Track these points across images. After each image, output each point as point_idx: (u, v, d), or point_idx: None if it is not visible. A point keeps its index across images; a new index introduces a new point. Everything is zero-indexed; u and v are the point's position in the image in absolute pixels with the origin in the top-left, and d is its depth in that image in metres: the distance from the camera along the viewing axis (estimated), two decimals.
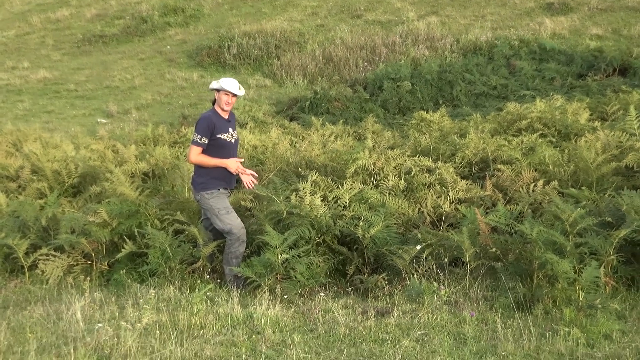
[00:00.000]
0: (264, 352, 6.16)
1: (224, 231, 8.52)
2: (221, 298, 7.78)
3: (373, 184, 10.01)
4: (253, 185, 8.70)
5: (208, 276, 8.73)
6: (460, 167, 10.94)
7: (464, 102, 21.00)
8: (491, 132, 12.97)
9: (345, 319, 7.02)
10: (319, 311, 7.33)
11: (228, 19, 32.22)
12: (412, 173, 10.14)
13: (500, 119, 14.22)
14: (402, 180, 9.85)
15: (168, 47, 30.35)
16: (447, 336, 6.47)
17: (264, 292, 7.85)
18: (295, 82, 25.13)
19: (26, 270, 9.52)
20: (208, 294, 7.72)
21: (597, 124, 13.11)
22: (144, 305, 7.14)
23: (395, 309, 7.18)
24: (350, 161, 10.08)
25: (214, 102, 8.70)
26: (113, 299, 7.84)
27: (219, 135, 8.47)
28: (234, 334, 6.67)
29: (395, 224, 8.81)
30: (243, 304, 7.64)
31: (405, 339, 6.40)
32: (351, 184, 9.45)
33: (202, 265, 8.83)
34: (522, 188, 9.64)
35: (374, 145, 12.16)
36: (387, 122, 19.25)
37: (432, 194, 9.61)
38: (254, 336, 6.60)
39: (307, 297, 7.99)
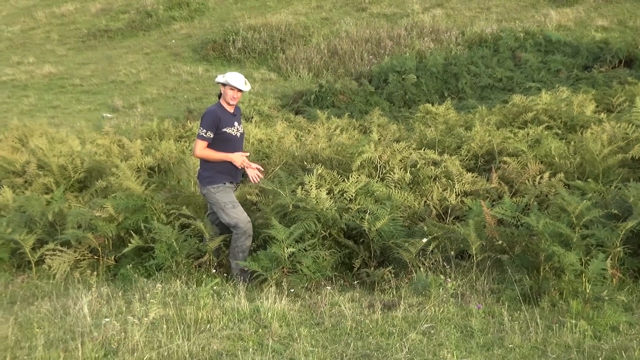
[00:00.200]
0: (270, 345, 6.16)
1: (230, 225, 8.52)
2: (228, 292, 7.78)
3: (379, 177, 10.01)
4: (258, 179, 8.70)
5: (214, 270, 8.74)
6: (466, 159, 10.94)
7: (469, 95, 20.97)
8: (497, 125, 12.96)
9: (352, 312, 7.02)
10: (325, 305, 7.33)
11: (233, 12, 32.20)
12: (418, 166, 10.13)
13: (506, 111, 14.21)
14: (408, 173, 9.85)
15: (173, 41, 30.34)
16: (454, 329, 6.47)
17: (271, 286, 7.85)
18: (300, 76, 25.11)
19: (33, 265, 9.54)
20: (215, 288, 7.73)
21: (603, 115, 13.08)
22: (151, 300, 7.15)
23: (402, 302, 7.18)
24: (356, 154, 10.08)
25: (219, 96, 8.69)
26: (120, 294, 7.85)
27: (225, 129, 8.46)
28: (241, 328, 6.67)
29: (401, 217, 8.80)
30: (250, 297, 7.64)
31: (412, 332, 6.41)
32: (357, 177, 9.45)
33: (209, 260, 8.84)
34: (528, 180, 9.64)
35: (379, 139, 12.17)
36: (392, 115, 19.22)
37: (438, 187, 9.61)
38: (260, 330, 6.60)
39: (314, 290, 7.99)
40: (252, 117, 19.30)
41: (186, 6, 33.67)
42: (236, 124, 8.65)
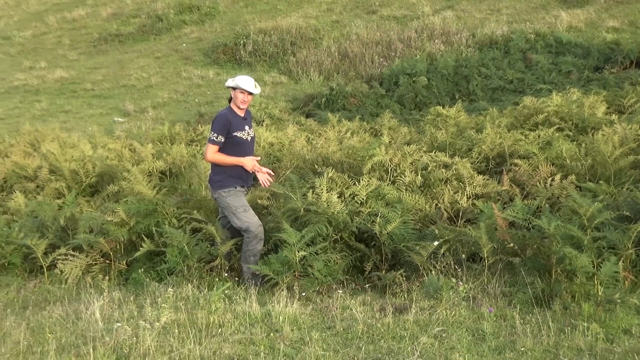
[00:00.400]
0: (282, 350, 6.16)
1: (242, 229, 8.53)
2: (239, 296, 7.78)
3: (390, 180, 10.00)
4: (269, 183, 8.71)
5: (226, 274, 8.75)
6: (477, 162, 10.92)
7: (480, 97, 20.93)
8: (508, 127, 12.92)
9: (363, 316, 7.02)
10: (336, 308, 7.33)
11: (243, 16, 32.24)
12: (429, 169, 10.12)
13: (517, 113, 14.17)
14: (419, 176, 9.83)
15: (184, 45, 30.39)
16: (466, 332, 6.46)
17: (282, 290, 7.86)
18: (311, 79, 25.12)
19: (45, 270, 9.58)
20: (226, 292, 7.74)
21: (614, 117, 13.04)
22: (163, 304, 7.16)
23: (413, 306, 7.17)
24: (367, 157, 10.08)
25: (230, 100, 8.71)
26: (131, 298, 7.87)
27: (235, 133, 8.48)
28: (252, 332, 6.67)
29: (412, 220, 8.79)
30: (261, 301, 7.64)
31: (424, 335, 6.40)
32: (368, 181, 9.44)
33: (220, 264, 8.86)
34: (540, 182, 9.60)
35: (390, 141, 12.16)
36: (403, 117, 19.21)
37: (449, 190, 9.59)
38: (272, 334, 6.60)
39: (325, 294, 7.99)
40: (263, 121, 19.32)
41: (197, 10, 33.73)
42: (247, 127, 8.66)
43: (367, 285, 8.37)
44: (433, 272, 7.96)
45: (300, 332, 6.66)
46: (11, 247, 9.98)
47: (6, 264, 10.01)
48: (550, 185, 9.40)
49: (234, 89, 8.54)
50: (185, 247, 8.59)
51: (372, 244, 8.73)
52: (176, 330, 6.57)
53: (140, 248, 8.92)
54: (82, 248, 9.48)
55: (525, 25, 25.30)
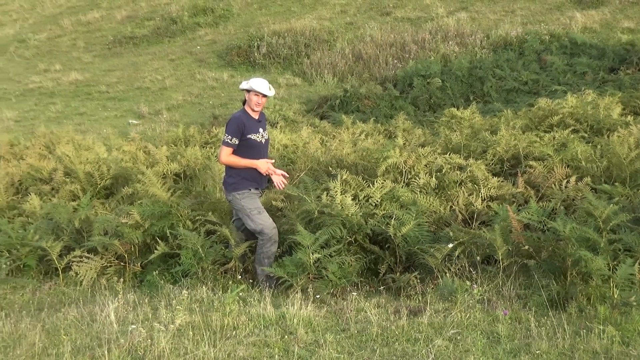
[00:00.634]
0: (296, 352, 6.16)
1: (256, 231, 8.53)
2: (253, 298, 7.79)
3: (404, 182, 9.99)
4: (283, 185, 8.72)
5: (240, 277, 8.75)
6: (492, 164, 10.90)
7: (494, 98, 20.88)
8: (522, 128, 12.89)
9: (378, 318, 7.00)
10: (351, 311, 7.32)
11: (257, 18, 32.28)
12: (443, 171, 10.10)
13: (532, 115, 14.13)
14: (433, 178, 9.82)
15: (198, 47, 30.45)
16: (481, 335, 6.44)
17: (296, 292, 7.85)
18: (325, 81, 25.12)
19: (60, 272, 9.60)
20: (240, 294, 7.73)
21: (629, 118, 12.98)
22: (177, 306, 7.16)
23: (428, 308, 7.15)
24: (381, 159, 10.07)
25: (244, 102, 8.72)
26: (146, 300, 7.88)
27: (250, 136, 8.49)
28: (267, 334, 6.67)
29: (426, 222, 8.77)
30: (275, 304, 7.64)
31: (438, 338, 6.38)
32: (382, 183, 9.43)
33: (234, 266, 8.86)
34: (555, 185, 9.57)
35: (404, 143, 12.14)
36: (417, 119, 19.19)
37: (463, 192, 9.56)
38: (286, 336, 6.60)
39: (339, 296, 7.98)
40: (277, 123, 19.33)
41: (211, 12, 33.78)
42: (261, 130, 8.67)
43: (381, 288, 8.35)
44: (447, 274, 7.94)
45: (315, 334, 6.65)
46: (26, 249, 10.01)
47: (21, 266, 10.04)
48: (566, 187, 9.37)
49: (248, 91, 8.55)
50: (200, 249, 8.60)
51: (386, 246, 8.72)
52: (191, 333, 6.58)
53: (155, 250, 8.94)
54: (96, 250, 9.51)
55: (540, 26, 25.23)
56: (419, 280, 8.07)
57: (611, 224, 7.51)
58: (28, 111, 25.20)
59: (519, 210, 8.64)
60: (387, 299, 7.85)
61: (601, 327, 6.34)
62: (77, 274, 9.26)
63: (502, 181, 9.94)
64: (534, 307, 7.11)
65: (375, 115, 19.92)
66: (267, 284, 8.46)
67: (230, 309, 7.13)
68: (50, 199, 11.91)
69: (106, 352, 6.13)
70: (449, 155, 10.65)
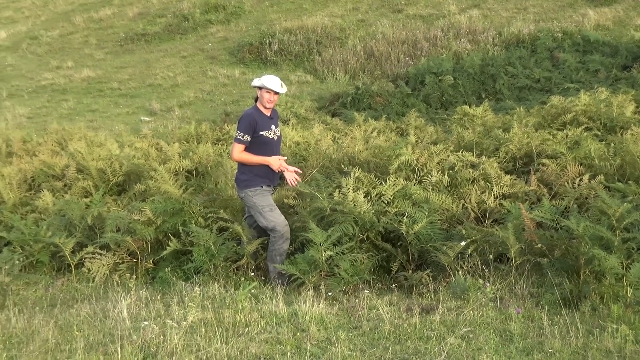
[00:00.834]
0: (308, 349, 6.16)
1: (268, 228, 8.54)
2: (266, 295, 7.80)
3: (416, 179, 9.97)
4: (296, 182, 8.72)
5: (252, 274, 8.77)
6: (504, 162, 10.87)
7: (507, 96, 20.80)
8: (535, 126, 12.84)
9: (390, 316, 7.00)
10: (363, 308, 7.32)
11: (269, 15, 32.26)
12: (456, 168, 10.08)
13: (545, 113, 14.07)
14: (446, 176, 9.80)
15: (209, 44, 30.45)
16: (493, 333, 6.43)
17: (308, 290, 7.86)
18: (336, 78, 25.08)
19: (73, 268, 9.64)
20: (252, 291, 7.75)
21: None
22: (189, 303, 7.19)
23: (440, 306, 7.15)
24: (393, 157, 10.05)
25: (256, 99, 8.72)
26: (158, 297, 7.89)
27: (262, 133, 8.49)
28: (279, 331, 6.68)
29: (439, 220, 8.75)
30: (287, 301, 7.65)
31: (451, 336, 6.38)
32: (394, 180, 9.41)
33: (247, 263, 8.88)
34: (568, 183, 9.54)
35: (416, 141, 12.12)
36: (429, 117, 19.14)
37: (476, 190, 9.55)
38: (298, 334, 6.60)
39: (352, 294, 7.99)
40: (289, 120, 19.33)
41: (222, 9, 33.77)
42: (273, 127, 8.67)
43: (393, 285, 8.35)
44: (460, 272, 7.93)
45: (327, 332, 6.66)
46: (39, 245, 10.05)
47: (34, 262, 10.08)
48: (579, 185, 9.34)
49: (260, 88, 8.56)
50: (212, 246, 8.61)
51: (398, 243, 8.71)
52: (203, 329, 6.60)
53: (167, 247, 8.96)
54: (109, 247, 9.54)
55: (553, 23, 25.12)
56: (431, 278, 8.07)
57: (625, 223, 7.49)
58: (40, 108, 25.26)
59: (531, 208, 8.61)
60: (399, 297, 7.85)
61: (614, 326, 6.32)
62: (89, 270, 9.30)
63: (515, 179, 9.92)
64: (546, 305, 7.10)
65: (387, 112, 19.88)
66: (279, 281, 8.46)
67: (243, 306, 7.14)
68: (62, 196, 11.93)
69: (119, 348, 6.15)
70: (462, 152, 10.64)
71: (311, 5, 32.64)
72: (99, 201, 10.96)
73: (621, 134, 11.42)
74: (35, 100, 26.20)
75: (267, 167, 8.56)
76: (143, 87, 26.68)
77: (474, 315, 6.90)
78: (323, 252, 8.01)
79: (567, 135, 11.47)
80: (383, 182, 9.40)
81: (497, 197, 9.47)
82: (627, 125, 12.07)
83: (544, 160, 10.27)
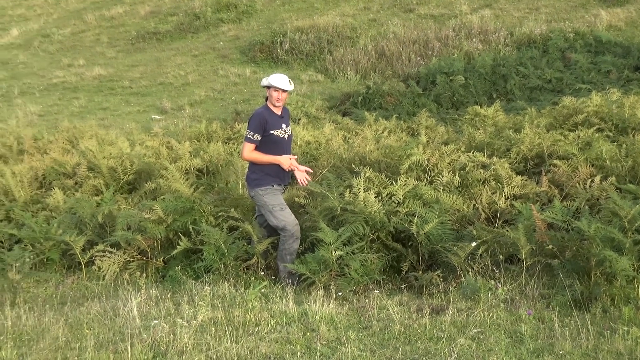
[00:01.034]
0: (318, 349, 6.16)
1: (278, 228, 8.54)
2: (276, 295, 7.79)
3: (427, 180, 9.96)
4: (307, 182, 8.71)
5: (262, 273, 8.76)
6: (516, 162, 10.85)
7: (518, 96, 20.75)
8: (547, 127, 12.81)
9: (400, 316, 7.00)
10: (373, 308, 7.32)
11: (280, 14, 32.26)
12: (467, 169, 10.07)
13: (556, 113, 14.03)
14: (457, 176, 9.79)
15: (221, 43, 30.47)
16: (504, 334, 6.42)
17: (319, 289, 7.86)
18: (347, 77, 25.06)
19: (83, 266, 9.67)
20: (262, 290, 7.75)
21: None
22: (200, 302, 7.20)
23: (451, 307, 7.14)
24: (404, 157, 10.04)
25: (267, 99, 8.73)
26: (169, 296, 7.90)
27: (272, 132, 8.50)
28: (289, 331, 6.68)
29: (449, 220, 8.74)
30: (297, 301, 7.65)
31: (461, 337, 6.36)
32: (405, 180, 9.41)
33: (257, 262, 8.88)
34: (579, 184, 9.52)
35: (427, 141, 12.11)
36: (440, 117, 19.11)
37: (487, 190, 9.53)
38: (308, 333, 6.60)
39: (362, 294, 7.99)
40: (300, 119, 19.31)
41: (234, 8, 33.79)
42: (284, 126, 8.67)
43: (403, 286, 8.34)
44: (470, 273, 7.92)
45: (337, 331, 6.65)
46: (50, 243, 10.07)
47: (45, 260, 10.10)
48: (590, 186, 9.31)
49: (268, 87, 8.57)
50: (222, 245, 8.61)
51: (409, 244, 8.71)
52: (213, 328, 6.60)
53: (178, 246, 8.97)
54: (119, 245, 9.56)
55: (565, 24, 25.05)
56: (441, 279, 8.06)
57: (636, 225, 7.45)
58: (52, 106, 25.31)
59: (542, 209, 8.60)
60: (409, 297, 7.84)
61: (625, 328, 6.30)
62: (100, 268, 9.32)
63: (526, 180, 9.90)
64: (557, 307, 7.08)
65: (398, 112, 19.85)
66: (290, 281, 8.46)
67: (253, 306, 7.14)
68: (73, 194, 11.96)
69: (129, 346, 6.16)
70: (473, 153, 10.62)
71: (323, 5, 32.63)
72: (110, 199, 10.99)
73: (633, 135, 11.39)
74: (46, 98, 26.27)
75: (277, 166, 8.56)
76: (154, 85, 26.72)
77: (484, 316, 6.89)
78: (333, 251, 8.01)
79: (578, 136, 11.44)
80: (394, 182, 9.39)
81: (508, 197, 9.46)
82: (639, 126, 12.04)
83: (555, 161, 10.25)
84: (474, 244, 7.97)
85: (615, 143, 11.10)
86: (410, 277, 8.41)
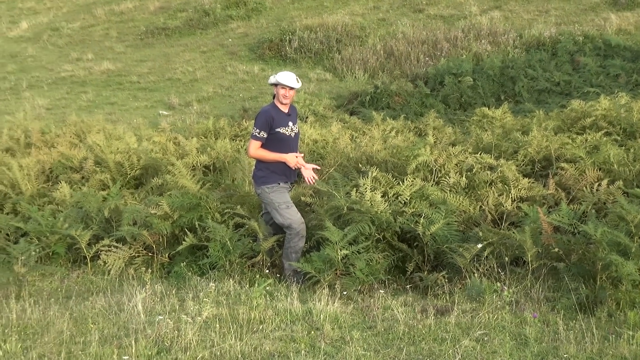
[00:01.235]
0: (323, 348, 6.15)
1: (284, 226, 8.54)
2: (280, 293, 7.79)
3: (434, 180, 9.95)
4: (314, 180, 8.71)
5: (267, 271, 8.77)
6: (523, 164, 10.83)
7: (526, 99, 20.72)
8: (554, 130, 12.77)
9: (405, 316, 6.99)
10: (378, 308, 7.31)
11: (290, 12, 32.26)
12: (474, 170, 10.06)
13: (564, 117, 14.00)
14: (464, 178, 9.77)
15: (230, 40, 30.47)
16: (508, 337, 6.40)
17: (323, 288, 7.86)
18: (355, 76, 25.04)
19: (88, 260, 9.69)
20: (267, 288, 7.74)
21: None
22: (204, 299, 7.20)
23: (455, 308, 7.13)
24: (412, 157, 10.03)
25: (274, 96, 8.73)
26: (173, 292, 7.91)
27: (278, 129, 8.50)
28: (293, 329, 6.67)
29: (456, 221, 8.74)
30: (302, 299, 7.64)
31: (465, 338, 6.35)
32: (412, 181, 9.40)
33: (262, 260, 8.88)
34: (586, 187, 9.50)
35: (435, 142, 12.09)
36: (447, 117, 19.09)
37: (493, 192, 9.52)
38: (313, 332, 6.60)
39: (366, 293, 7.98)
40: (307, 117, 19.31)
41: (243, 5, 33.79)
42: (291, 124, 8.67)
43: (408, 286, 8.33)
44: (476, 274, 7.91)
45: (341, 331, 6.65)
46: (56, 237, 10.10)
47: (50, 254, 10.13)
48: (597, 190, 9.30)
49: (276, 85, 8.58)
50: (228, 242, 8.62)
51: (414, 244, 8.71)
52: (217, 325, 6.60)
53: (183, 242, 8.97)
54: (125, 240, 9.57)
55: (574, 27, 25.00)
56: (446, 280, 8.06)
57: None
58: (60, 99, 25.35)
59: (549, 212, 8.58)
60: (414, 298, 7.84)
61: (630, 333, 6.29)
62: (105, 263, 9.34)
63: (533, 182, 9.88)
64: (562, 310, 7.07)
65: (406, 112, 19.84)
66: (294, 279, 8.47)
67: (257, 303, 7.14)
68: (80, 188, 11.98)
69: (133, 342, 6.16)
70: (480, 154, 10.60)
71: (332, 3, 32.62)
72: (116, 194, 11.00)
73: None
74: (54, 92, 26.30)
75: (284, 164, 8.57)
76: (162, 81, 26.73)
77: (489, 318, 6.88)
78: (339, 250, 8.01)
79: (586, 140, 11.41)
80: (400, 182, 9.38)
81: (514, 200, 9.45)
82: None
83: (562, 164, 10.23)
84: (479, 245, 7.96)
85: (623, 147, 11.08)
86: (415, 277, 8.41)
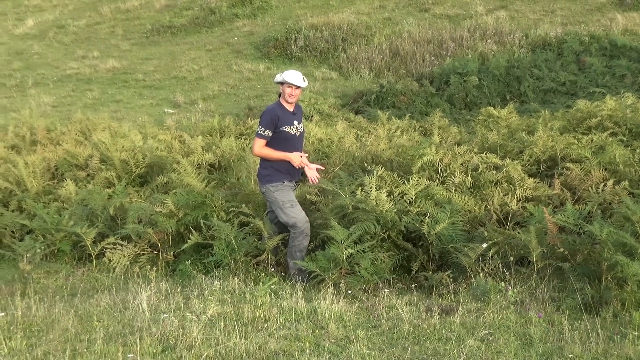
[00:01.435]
0: (327, 347, 6.15)
1: (288, 224, 8.55)
2: (285, 292, 7.80)
3: (439, 180, 9.95)
4: (317, 180, 8.71)
5: (272, 269, 8.78)
6: (528, 164, 10.82)
7: (531, 99, 20.68)
8: (560, 130, 12.75)
9: (410, 316, 6.99)
10: (382, 307, 7.31)
11: (295, 11, 32.24)
12: (479, 170, 10.05)
13: (570, 117, 13.97)
14: (469, 177, 9.77)
15: (235, 38, 30.46)
16: (513, 337, 6.40)
17: (328, 287, 7.85)
18: (361, 76, 25.02)
19: (94, 258, 9.70)
20: (272, 287, 7.74)
21: None
22: (209, 297, 7.21)
23: (460, 308, 7.12)
24: (417, 157, 10.03)
25: (280, 95, 8.74)
26: (178, 290, 7.91)
27: (283, 128, 8.51)
28: (298, 328, 6.67)
29: (461, 221, 8.74)
30: (307, 298, 7.65)
31: (470, 338, 6.35)
32: (417, 180, 9.40)
33: (267, 258, 8.89)
34: (592, 187, 9.49)
35: (440, 141, 12.08)
36: (453, 117, 19.07)
37: (499, 192, 9.51)
38: (317, 331, 6.59)
39: (371, 292, 7.97)
40: (312, 116, 19.32)
41: (249, 4, 33.76)
42: (296, 122, 8.67)
43: (413, 285, 8.34)
44: (481, 274, 7.91)
45: (346, 330, 6.65)
46: (61, 234, 10.11)
47: (56, 251, 10.15)
48: (603, 190, 9.29)
49: (282, 84, 8.58)
50: (233, 240, 8.63)
51: (419, 243, 8.71)
52: (222, 324, 6.60)
53: (188, 240, 8.99)
54: (130, 238, 9.59)
55: (580, 27, 24.96)
56: (451, 279, 8.06)
57: None
58: (65, 97, 25.35)
59: (554, 212, 8.57)
60: (419, 297, 7.83)
61: (636, 333, 6.28)
62: (110, 260, 9.35)
63: (538, 182, 9.88)
64: (567, 310, 7.06)
65: (411, 111, 19.82)
66: (299, 278, 8.47)
67: (262, 302, 7.15)
68: (85, 185, 12.00)
69: (138, 340, 6.17)
70: (485, 154, 10.59)
71: (338, 2, 32.60)
72: (122, 192, 11.01)
73: None
74: (60, 89, 26.31)
75: (288, 163, 8.58)
76: (168, 79, 26.73)
77: (494, 317, 6.87)
78: (344, 249, 8.01)
79: (592, 140, 11.39)
80: (406, 182, 9.38)
81: (520, 199, 9.44)
82: None
83: (568, 165, 10.22)
84: (484, 245, 7.96)
85: (629, 147, 11.06)
86: (420, 277, 8.41)
